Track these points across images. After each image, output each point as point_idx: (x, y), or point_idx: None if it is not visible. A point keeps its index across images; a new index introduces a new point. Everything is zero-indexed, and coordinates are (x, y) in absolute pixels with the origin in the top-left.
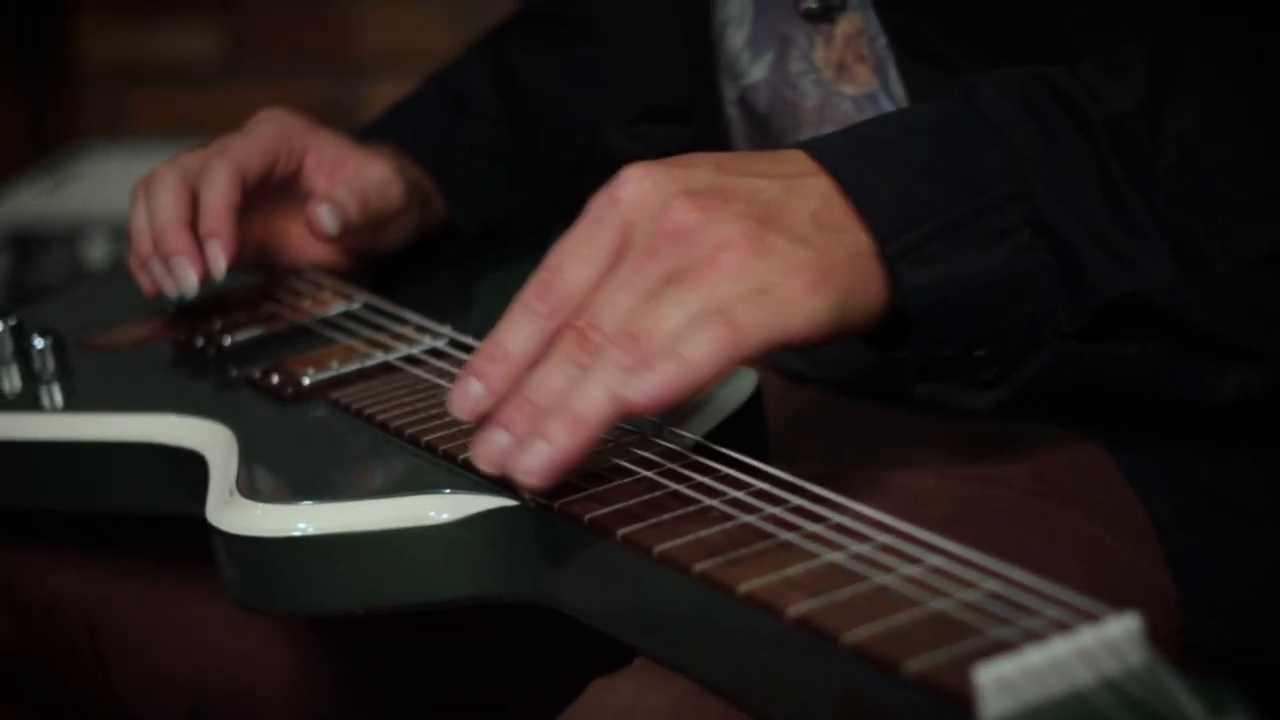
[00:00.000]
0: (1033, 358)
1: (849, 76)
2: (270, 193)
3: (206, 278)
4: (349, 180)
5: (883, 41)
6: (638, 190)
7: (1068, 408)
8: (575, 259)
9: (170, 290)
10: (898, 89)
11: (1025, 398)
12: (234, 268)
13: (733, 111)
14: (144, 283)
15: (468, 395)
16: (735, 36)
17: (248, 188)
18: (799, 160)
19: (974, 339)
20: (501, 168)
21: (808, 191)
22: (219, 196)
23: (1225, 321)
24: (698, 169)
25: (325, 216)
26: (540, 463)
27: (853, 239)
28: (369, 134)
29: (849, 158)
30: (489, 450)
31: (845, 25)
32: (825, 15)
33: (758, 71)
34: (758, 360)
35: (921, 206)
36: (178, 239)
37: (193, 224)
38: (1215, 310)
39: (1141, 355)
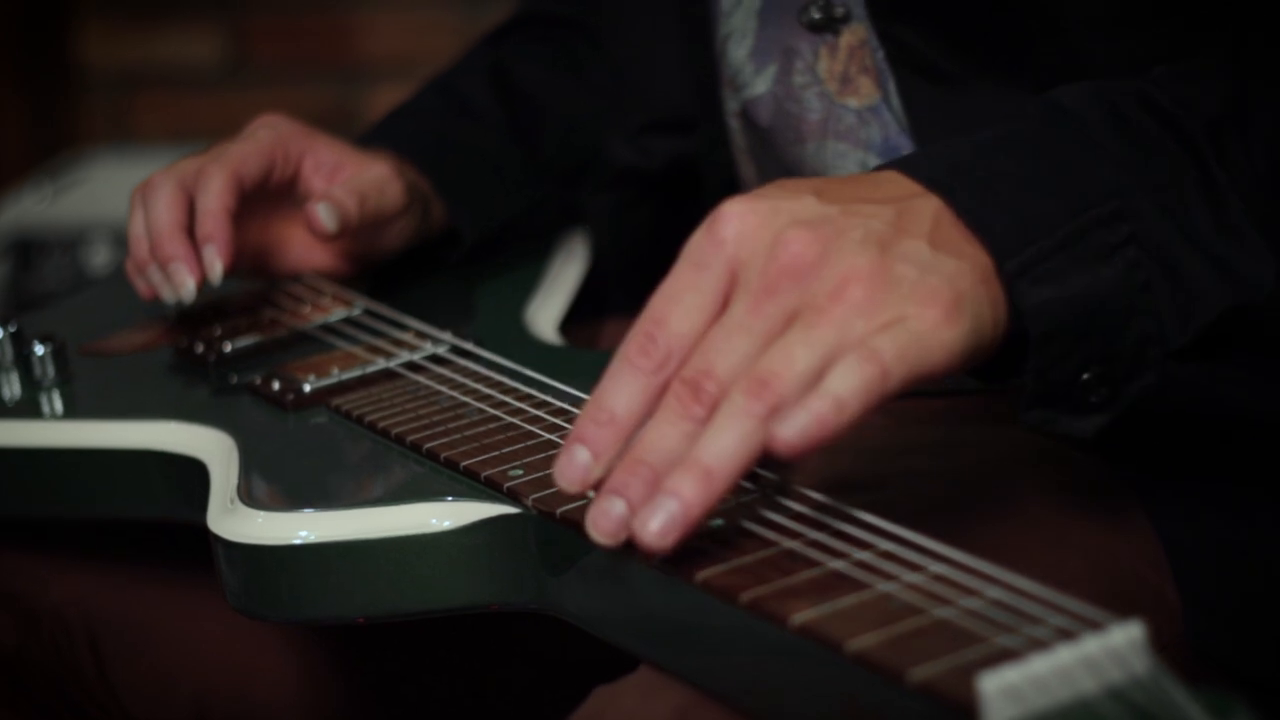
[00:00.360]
0: (1138, 380)
1: (853, 89)
2: (268, 198)
3: (204, 283)
4: (348, 180)
5: (881, 54)
6: (742, 227)
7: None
8: (679, 307)
9: (168, 296)
10: (897, 101)
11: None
12: (231, 273)
13: (734, 124)
14: (141, 288)
15: (575, 464)
16: (738, 50)
17: (244, 192)
18: (899, 181)
19: (1086, 361)
20: (501, 173)
21: (919, 214)
22: (215, 201)
23: None
24: (801, 199)
25: (324, 214)
26: (669, 522)
27: (972, 261)
28: (368, 140)
29: (956, 178)
30: (606, 521)
31: (849, 37)
32: (828, 26)
33: (761, 84)
34: None
35: (1032, 223)
36: (175, 245)
37: (190, 230)
38: None
39: (1235, 374)
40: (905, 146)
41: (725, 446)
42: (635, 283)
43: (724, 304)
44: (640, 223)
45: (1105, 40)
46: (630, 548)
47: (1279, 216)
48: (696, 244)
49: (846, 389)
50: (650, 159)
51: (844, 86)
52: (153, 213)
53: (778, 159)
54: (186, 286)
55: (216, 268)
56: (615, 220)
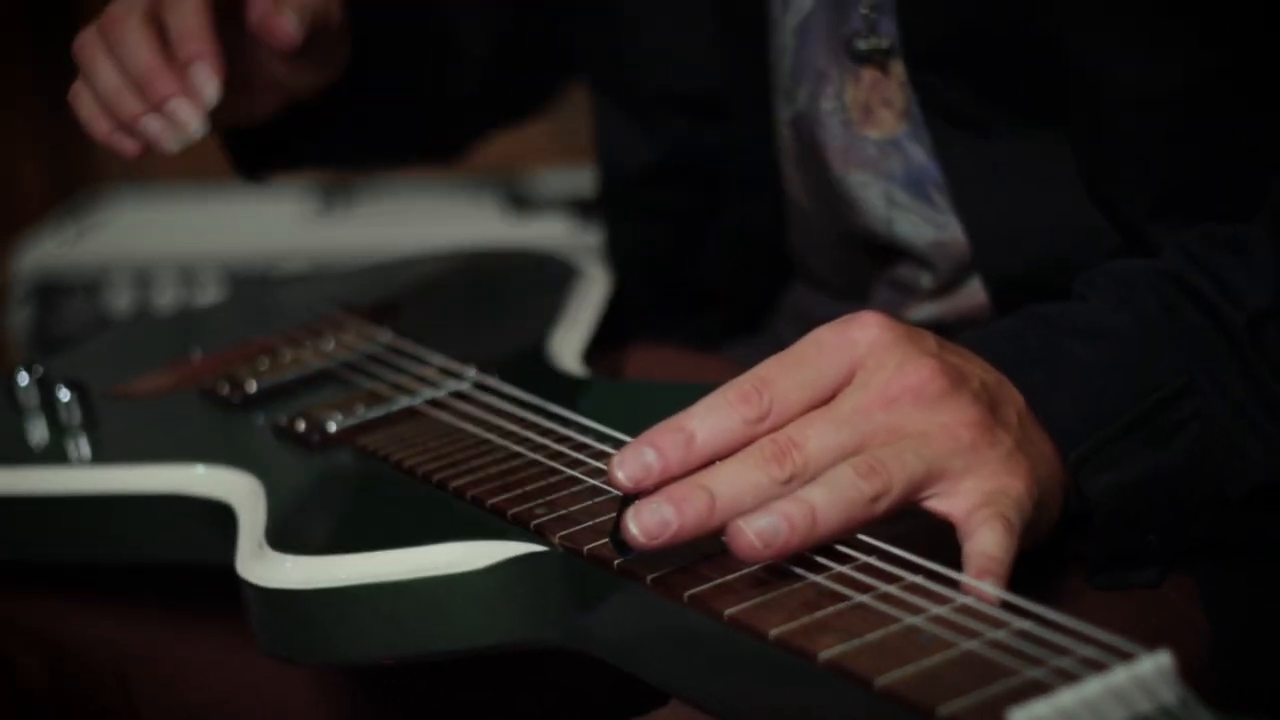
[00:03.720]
0: (1196, 533)
1: (874, 120)
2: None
3: (202, 110)
4: None
5: (915, 97)
6: (880, 337)
7: None
8: (792, 379)
9: (171, 142)
10: (923, 136)
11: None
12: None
13: (786, 132)
14: (128, 147)
15: (638, 462)
16: (784, 63)
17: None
18: (985, 360)
19: (1150, 529)
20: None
21: (1010, 391)
22: (193, 17)
23: None
24: (927, 339)
25: (291, 20)
26: (777, 535)
27: (1043, 444)
28: None
29: (1030, 369)
30: (650, 521)
31: (871, 70)
32: (870, 59)
33: (800, 102)
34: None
35: (1098, 412)
36: (166, 81)
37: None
38: None
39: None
40: (928, 178)
41: (831, 500)
42: (657, 309)
43: (830, 394)
44: (661, 248)
45: (1136, 95)
46: (658, 582)
47: None
48: (827, 333)
49: (990, 533)
50: (658, 142)
51: (865, 117)
52: (127, 54)
53: (818, 176)
54: (194, 123)
55: (210, 89)
56: (636, 245)
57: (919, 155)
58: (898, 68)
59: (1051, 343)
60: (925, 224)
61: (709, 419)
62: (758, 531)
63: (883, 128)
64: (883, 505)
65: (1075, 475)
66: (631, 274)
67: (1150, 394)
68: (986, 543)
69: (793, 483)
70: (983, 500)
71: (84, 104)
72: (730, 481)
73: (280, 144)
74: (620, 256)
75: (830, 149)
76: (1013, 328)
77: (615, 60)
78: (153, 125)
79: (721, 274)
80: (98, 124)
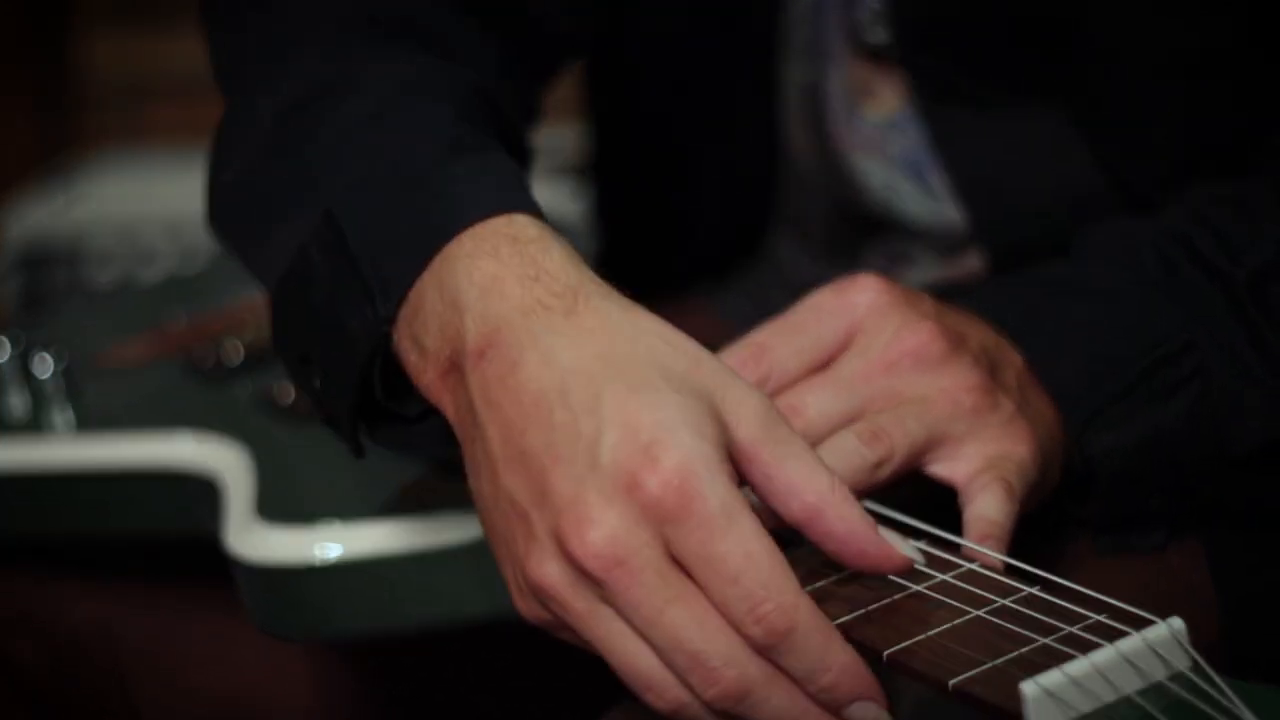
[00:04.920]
0: (1200, 496)
1: (874, 102)
2: None
3: None
4: None
5: (910, 78)
6: (879, 302)
7: None
8: (788, 345)
9: None
10: (921, 118)
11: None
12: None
13: (797, 94)
14: None
15: None
16: (801, 32)
17: None
18: (985, 322)
19: (1153, 491)
20: None
21: (1010, 353)
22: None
23: None
24: (926, 302)
25: None
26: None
27: (1045, 406)
28: None
29: (1031, 332)
30: None
31: (872, 50)
32: (877, 54)
33: (810, 73)
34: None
35: (1099, 372)
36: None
37: None
38: None
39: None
40: (925, 162)
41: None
42: (643, 265)
43: (829, 361)
44: (649, 185)
45: (1133, 70)
46: None
47: None
48: (825, 296)
49: (998, 499)
50: (654, 86)
51: (864, 95)
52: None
53: (821, 150)
54: None
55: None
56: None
57: (917, 138)
58: (895, 50)
59: (1052, 305)
60: (922, 205)
61: None
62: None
63: (882, 107)
64: (885, 471)
65: (1078, 437)
66: (617, 218)
67: (1151, 353)
68: (987, 508)
69: None
70: (984, 465)
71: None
72: None
73: None
74: (607, 200)
75: (834, 127)
76: (1012, 291)
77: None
78: None
79: (704, 215)
80: None
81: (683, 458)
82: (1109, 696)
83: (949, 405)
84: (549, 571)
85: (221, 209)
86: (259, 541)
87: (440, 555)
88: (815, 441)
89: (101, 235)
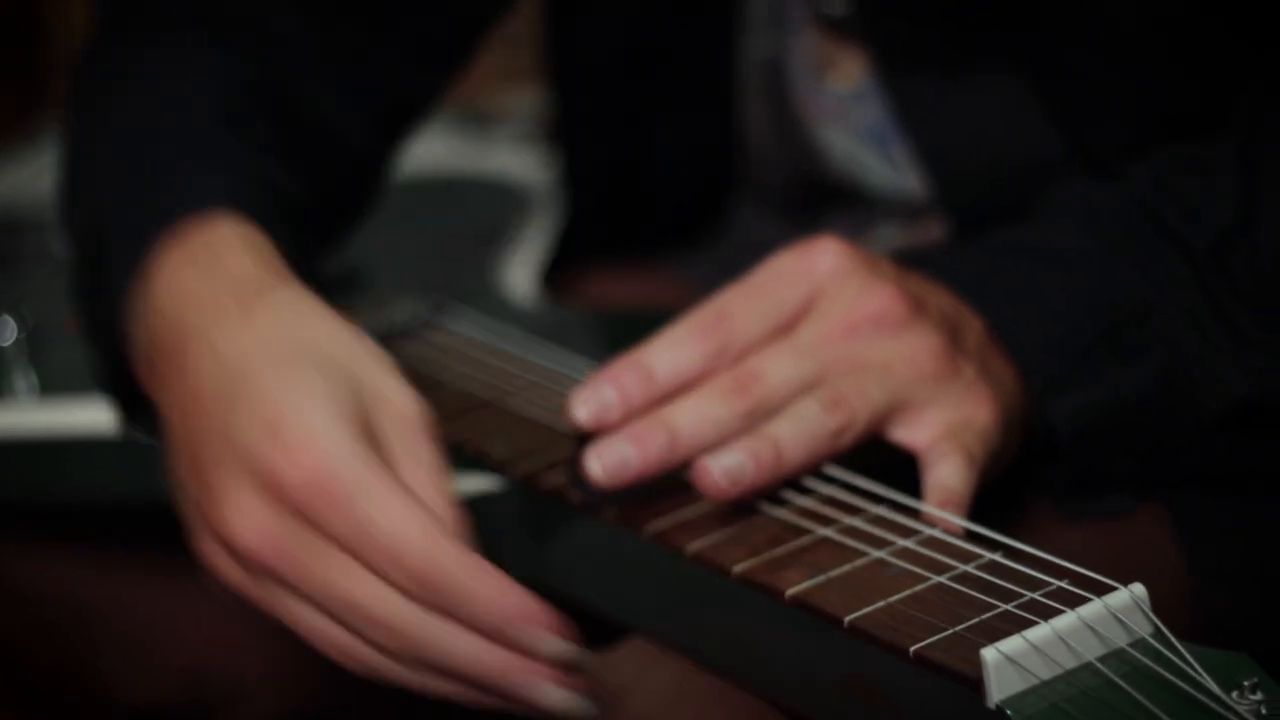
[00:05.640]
0: (1165, 461)
1: (838, 73)
2: None
3: None
4: None
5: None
6: (840, 264)
7: None
8: (750, 310)
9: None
10: (884, 88)
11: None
12: None
13: (753, 70)
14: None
15: (598, 400)
16: (759, 6)
17: None
18: (945, 287)
19: (1118, 454)
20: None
21: (970, 319)
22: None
23: None
24: (886, 266)
25: None
26: (741, 472)
27: (1006, 370)
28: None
29: (990, 295)
30: (612, 460)
31: (833, 20)
32: (838, 25)
33: (769, 47)
34: None
35: (1059, 336)
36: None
37: None
38: None
39: (1258, 450)
40: (890, 135)
41: (797, 438)
42: (610, 228)
43: (790, 323)
44: (610, 155)
45: (1094, 29)
46: (620, 518)
47: None
48: (786, 261)
49: (960, 460)
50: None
51: (826, 68)
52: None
53: (784, 123)
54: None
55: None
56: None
57: (880, 108)
58: (856, 21)
59: (1013, 269)
60: (885, 175)
61: (668, 354)
62: (724, 470)
63: (846, 80)
64: (847, 438)
65: (1039, 400)
66: (581, 183)
67: (1112, 317)
68: (946, 475)
69: (755, 415)
70: (945, 432)
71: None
72: (691, 417)
73: None
74: (571, 165)
75: (797, 99)
76: (974, 255)
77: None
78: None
79: (666, 185)
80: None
81: (317, 443)
82: (1070, 663)
83: (911, 370)
84: (222, 564)
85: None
86: None
87: None
88: (777, 408)
89: None
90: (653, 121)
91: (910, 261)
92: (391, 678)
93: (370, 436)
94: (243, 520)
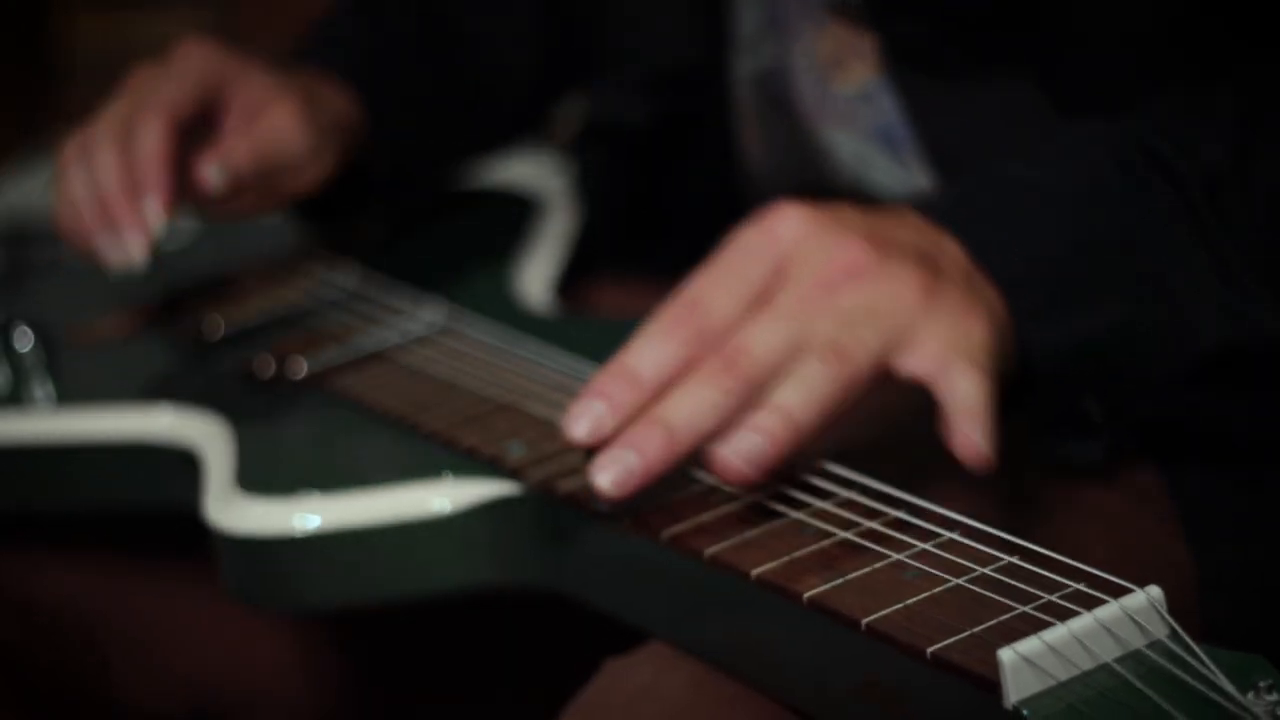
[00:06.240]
0: (1141, 408)
1: (845, 73)
2: (193, 134)
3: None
4: (249, 133)
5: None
6: (801, 228)
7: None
8: (720, 290)
9: (115, 263)
10: (894, 89)
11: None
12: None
13: (745, 90)
14: (82, 250)
15: (590, 415)
16: (749, 16)
17: (182, 136)
18: (920, 219)
19: (1091, 393)
20: (418, 112)
21: (949, 248)
22: (153, 149)
23: None
24: (850, 215)
25: (211, 175)
26: (755, 450)
27: (991, 296)
28: (303, 54)
29: (972, 221)
30: (617, 472)
31: (842, 22)
32: (845, 10)
33: (765, 58)
34: None
35: (1043, 267)
36: (123, 208)
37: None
38: None
39: (1238, 402)
40: (900, 134)
41: (802, 396)
42: (624, 242)
43: (764, 295)
44: (630, 181)
45: (1109, 34)
46: (637, 523)
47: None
48: (749, 235)
49: (960, 367)
50: (640, 114)
51: (835, 71)
52: (97, 173)
53: (787, 132)
54: (138, 253)
55: (157, 222)
56: (604, 178)
57: (890, 109)
58: (867, 19)
59: (1001, 199)
60: (893, 174)
61: (648, 352)
62: (740, 454)
63: (854, 81)
64: (854, 387)
65: (1021, 328)
66: (599, 208)
67: (1098, 252)
68: (961, 390)
69: (750, 389)
70: (948, 348)
71: (57, 200)
72: (684, 408)
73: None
74: (589, 190)
75: (803, 103)
76: (964, 187)
77: (608, 37)
78: (103, 244)
79: (684, 216)
80: (61, 223)
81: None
82: (1087, 664)
83: (896, 306)
84: None
85: None
86: (237, 512)
87: (418, 527)
88: (770, 378)
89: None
90: (660, 148)
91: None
92: None
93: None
94: None
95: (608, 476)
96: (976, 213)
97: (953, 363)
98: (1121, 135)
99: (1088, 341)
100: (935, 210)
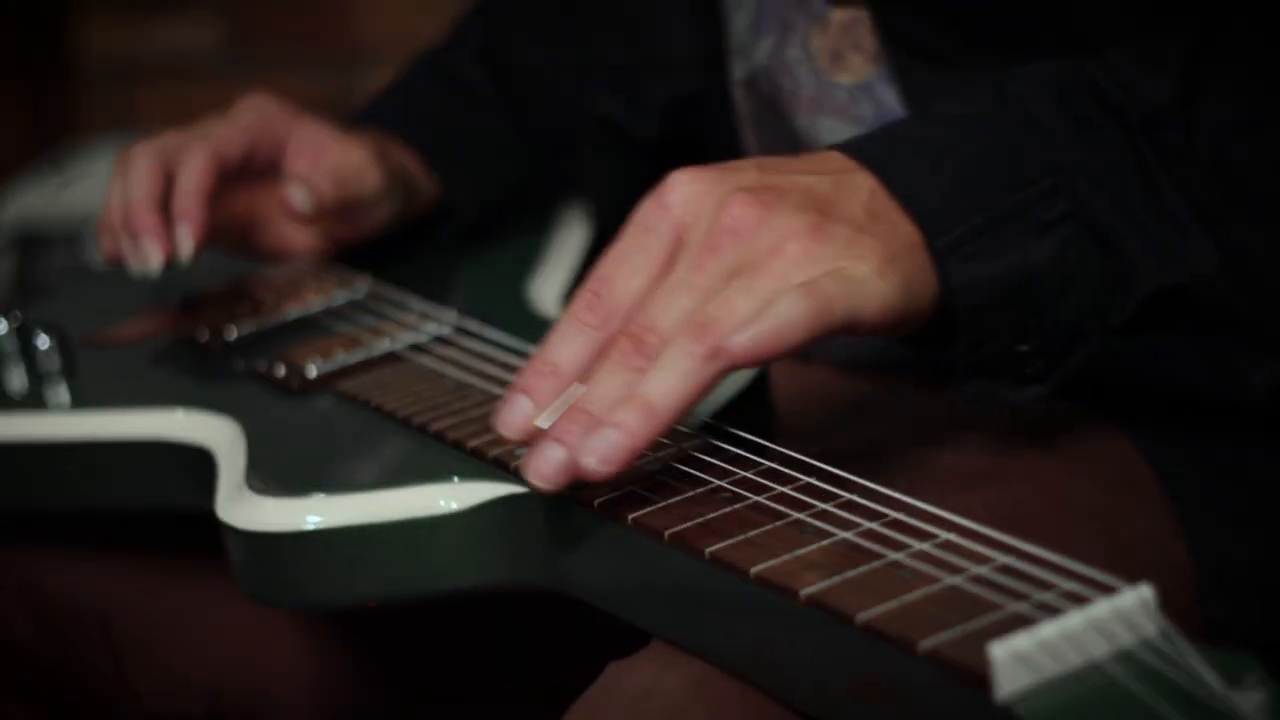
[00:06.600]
0: (1077, 351)
1: (844, 66)
2: (251, 179)
3: (173, 259)
4: (327, 165)
5: (880, 33)
6: (689, 193)
7: (1096, 396)
8: (626, 267)
9: (133, 267)
10: (894, 79)
11: (1065, 390)
12: (205, 248)
13: (739, 93)
14: (107, 248)
15: (517, 412)
16: (740, 18)
17: (225, 173)
18: (837, 159)
19: (1021, 334)
20: (495, 150)
21: (856, 186)
22: (193, 180)
23: (1267, 313)
24: (745, 170)
25: (298, 196)
26: (610, 450)
27: (904, 230)
28: (360, 118)
29: (891, 155)
30: (544, 465)
31: (841, 15)
32: (840, 1)
33: (759, 55)
34: None
35: (966, 201)
36: (146, 218)
37: (166, 205)
38: (1257, 302)
39: (1179, 348)
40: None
41: (667, 382)
42: None
43: (668, 265)
44: (640, 188)
45: (1105, 21)
46: (639, 522)
47: (1222, 204)
48: (644, 209)
49: (793, 312)
50: (652, 127)
51: (835, 64)
52: (130, 183)
53: (779, 131)
54: (152, 261)
55: (187, 246)
56: (615, 190)
57: (890, 99)
58: (864, 10)
59: (925, 133)
60: None
61: (565, 342)
62: (596, 452)
63: (854, 73)
64: (725, 359)
65: (941, 264)
66: (611, 219)
67: (1021, 188)
68: (773, 311)
69: None
70: (817, 287)
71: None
72: (600, 392)
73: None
74: (600, 201)
75: (798, 97)
76: (890, 125)
77: (623, 60)
78: (124, 244)
79: None
80: (99, 221)
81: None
82: (1079, 662)
83: (776, 260)
84: None
85: None
86: (248, 510)
87: (426, 526)
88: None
89: (96, 217)
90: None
91: None
92: None
93: None
94: None
95: (537, 471)
96: (897, 147)
97: (794, 290)
98: (1064, 70)
99: (1012, 277)
100: (857, 147)
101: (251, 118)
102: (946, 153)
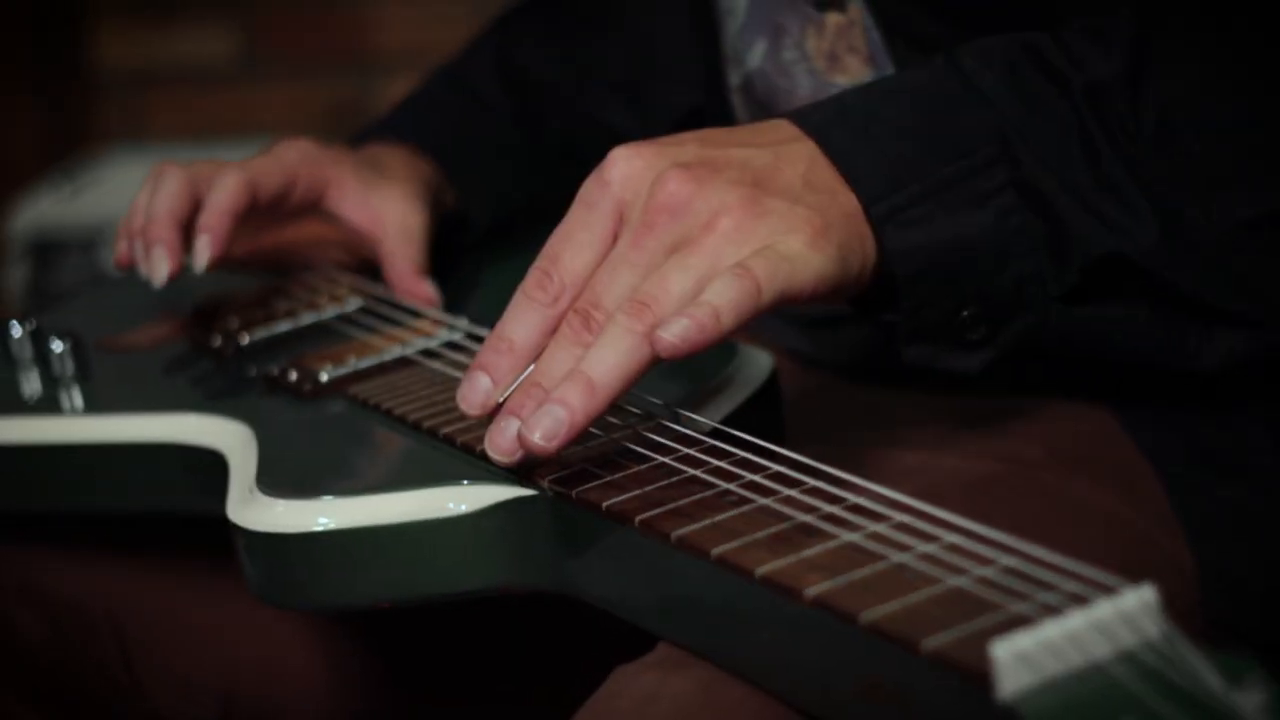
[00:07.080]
0: (1019, 318)
1: (841, 67)
2: (285, 218)
3: (180, 272)
4: (393, 237)
5: (876, 34)
6: (628, 169)
7: (1074, 378)
8: (572, 244)
9: (142, 273)
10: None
11: (1020, 365)
12: (228, 271)
13: (736, 99)
14: (121, 250)
15: (476, 390)
16: (733, 24)
17: (257, 202)
18: (783, 128)
19: (960, 300)
20: (508, 160)
21: (795, 156)
22: (222, 199)
23: (1208, 286)
24: (684, 145)
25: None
26: (553, 427)
27: (843, 199)
28: (382, 130)
29: (833, 123)
30: (502, 440)
31: (836, 18)
32: (833, 4)
33: (753, 60)
34: (767, 342)
35: (906, 169)
36: (164, 230)
37: (189, 224)
38: (1199, 275)
39: (1126, 319)
40: None
41: (607, 361)
42: None
43: (613, 240)
44: None
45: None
46: (647, 524)
47: (1166, 177)
48: (587, 187)
49: (723, 300)
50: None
51: (831, 65)
52: (157, 195)
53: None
54: (159, 273)
55: (203, 258)
56: None
57: None
58: (858, 11)
59: (868, 102)
60: None
61: (518, 320)
62: (540, 430)
63: (851, 73)
64: (662, 344)
65: (878, 231)
66: None
67: (962, 158)
68: (712, 294)
69: None
70: (737, 265)
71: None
72: (551, 368)
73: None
74: None
75: (795, 97)
76: (839, 94)
77: (632, 73)
78: (138, 250)
79: None
80: (120, 229)
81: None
82: (1081, 662)
83: (709, 237)
84: None
85: None
86: (259, 512)
87: (435, 528)
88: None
89: (109, 225)
90: None
91: None
92: None
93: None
94: None
95: (494, 445)
96: (840, 116)
97: (725, 273)
98: (1011, 41)
99: (951, 244)
100: (802, 115)
101: (292, 156)
102: (889, 122)
